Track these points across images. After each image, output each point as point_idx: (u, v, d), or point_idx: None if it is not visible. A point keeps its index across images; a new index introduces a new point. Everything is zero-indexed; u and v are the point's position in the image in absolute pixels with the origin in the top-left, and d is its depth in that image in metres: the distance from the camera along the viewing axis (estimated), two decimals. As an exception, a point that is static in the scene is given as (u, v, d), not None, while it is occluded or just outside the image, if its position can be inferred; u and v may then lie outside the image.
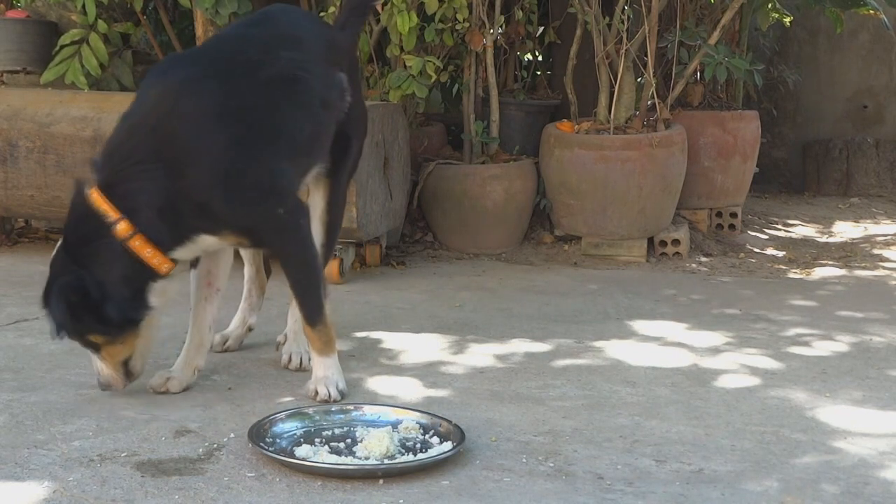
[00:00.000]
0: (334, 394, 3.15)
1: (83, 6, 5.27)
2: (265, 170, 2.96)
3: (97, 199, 2.91)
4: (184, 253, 3.08)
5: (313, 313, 3.14)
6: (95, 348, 3.06)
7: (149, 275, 3.02)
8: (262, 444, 2.77)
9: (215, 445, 2.83)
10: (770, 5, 6.19)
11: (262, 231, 3.04)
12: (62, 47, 5.37)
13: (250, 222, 3.01)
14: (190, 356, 3.29)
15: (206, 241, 3.07)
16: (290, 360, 3.49)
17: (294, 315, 3.47)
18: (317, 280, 3.17)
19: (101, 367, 3.10)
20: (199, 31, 5.50)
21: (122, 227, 2.90)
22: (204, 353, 3.32)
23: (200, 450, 2.80)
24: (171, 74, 2.98)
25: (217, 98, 2.92)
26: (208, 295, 3.35)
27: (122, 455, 2.76)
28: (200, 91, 2.93)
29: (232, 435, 2.89)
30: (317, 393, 3.16)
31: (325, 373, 3.17)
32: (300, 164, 3.16)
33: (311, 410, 3.01)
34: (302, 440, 2.85)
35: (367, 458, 2.74)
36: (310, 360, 3.34)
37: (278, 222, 3.02)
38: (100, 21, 5.42)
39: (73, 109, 4.94)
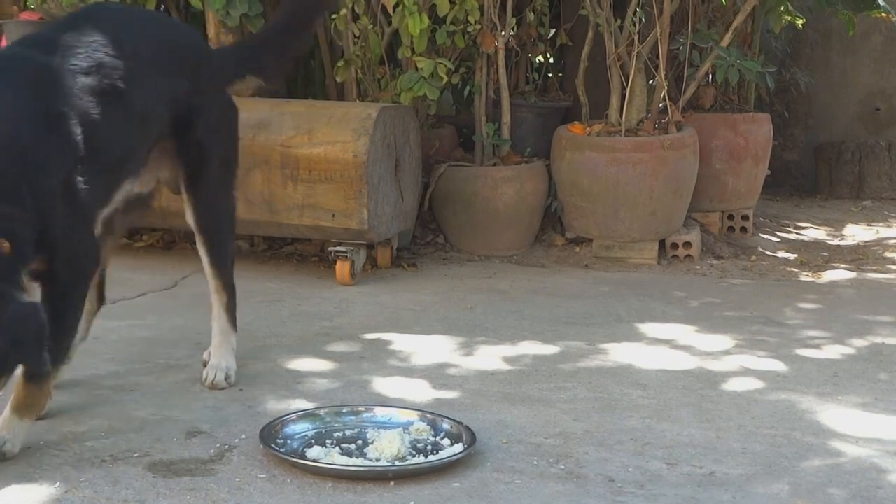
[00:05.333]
0: None
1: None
2: (63, 189, 2.73)
3: None
4: None
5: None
6: None
7: None
8: (273, 445, 2.78)
9: (227, 446, 2.84)
10: (782, 7, 6.17)
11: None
12: (75, 49, 5.38)
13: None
14: None
15: None
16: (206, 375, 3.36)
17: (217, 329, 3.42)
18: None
19: None
20: (211, 32, 5.51)
21: None
22: None
23: (212, 451, 2.81)
24: None
25: (17, 107, 2.71)
26: None
27: (134, 455, 2.77)
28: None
29: (243, 436, 2.91)
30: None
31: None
32: (105, 181, 2.94)
33: (322, 412, 3.03)
34: (313, 441, 2.86)
35: (378, 460, 2.75)
36: (225, 378, 3.32)
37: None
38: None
39: (86, 111, 4.95)
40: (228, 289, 3.44)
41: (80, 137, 2.78)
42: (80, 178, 2.78)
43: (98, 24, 3.01)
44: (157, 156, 3.21)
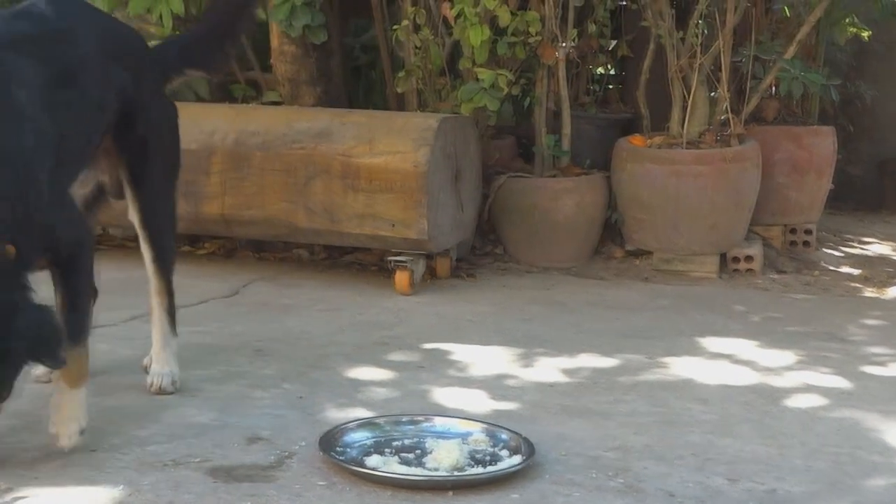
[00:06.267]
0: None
1: (160, 17, 5.35)
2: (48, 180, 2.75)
3: None
4: None
5: None
6: None
7: None
8: (333, 452, 2.78)
9: (286, 453, 2.86)
10: (847, 20, 6.10)
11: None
12: (140, 58, 5.45)
13: None
14: None
15: None
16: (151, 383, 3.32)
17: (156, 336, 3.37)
18: None
19: None
20: (274, 43, 5.57)
21: None
22: None
23: (272, 457, 2.83)
24: None
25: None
26: None
27: (195, 460, 2.79)
28: None
29: (303, 443, 2.92)
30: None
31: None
32: (70, 170, 2.96)
33: (381, 421, 3.03)
34: (372, 450, 2.86)
35: (436, 470, 2.75)
36: (171, 382, 3.30)
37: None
38: (176, 32, 5.50)
39: (151, 119, 5.01)
40: (169, 290, 3.38)
41: (54, 128, 2.79)
42: (58, 168, 2.79)
43: (50, 11, 2.99)
44: (99, 156, 3.18)
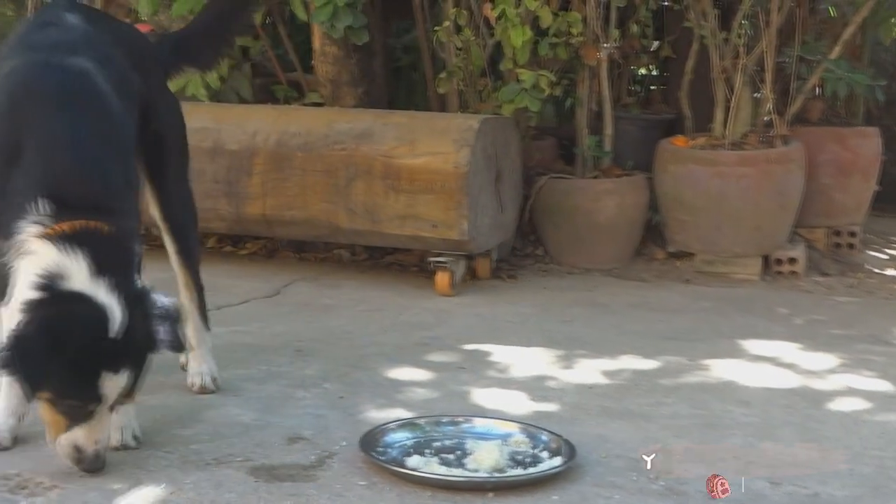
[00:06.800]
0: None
1: (204, 19, 5.38)
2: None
3: None
4: None
5: None
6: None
7: None
8: (373, 453, 2.79)
9: (327, 453, 2.87)
10: (893, 19, 6.04)
11: None
12: (184, 60, 5.49)
13: None
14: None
15: None
16: (193, 382, 3.35)
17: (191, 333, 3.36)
18: None
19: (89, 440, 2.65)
20: (316, 44, 5.59)
21: None
22: None
23: (313, 457, 2.84)
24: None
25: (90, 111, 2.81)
26: None
27: (237, 460, 2.81)
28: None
29: (343, 443, 2.93)
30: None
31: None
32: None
33: (421, 421, 3.04)
34: (412, 450, 2.87)
35: (477, 471, 2.75)
36: (213, 380, 3.34)
37: None
38: (235, 38, 5.52)
39: (194, 121, 4.98)
40: (198, 284, 3.40)
41: (132, 128, 2.92)
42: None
43: (73, 19, 3.04)
44: None
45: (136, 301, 2.60)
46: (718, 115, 5.48)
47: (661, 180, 5.41)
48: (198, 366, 3.35)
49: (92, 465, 2.62)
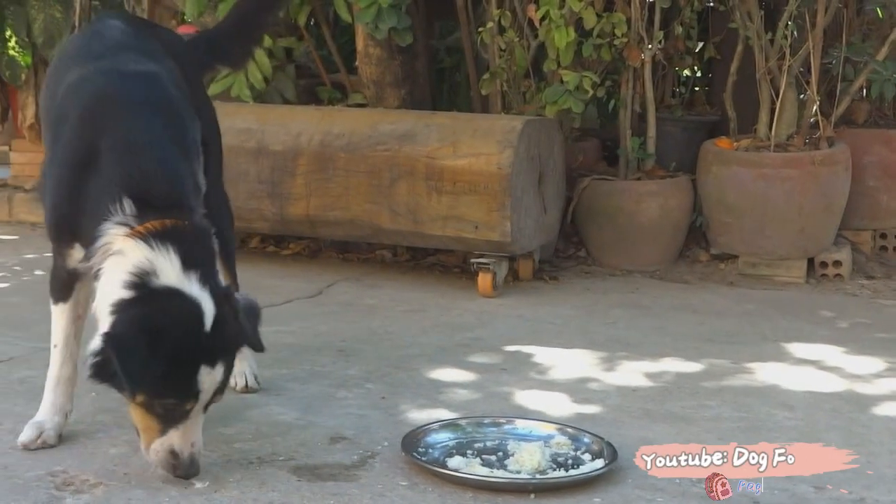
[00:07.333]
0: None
1: (249, 21, 5.42)
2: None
3: None
4: None
5: None
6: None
7: None
8: (415, 453, 2.80)
9: (369, 453, 2.88)
10: (942, 20, 5.97)
11: None
12: (228, 61, 5.53)
13: None
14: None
15: None
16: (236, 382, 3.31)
17: None
18: None
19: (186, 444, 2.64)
20: (360, 45, 5.61)
21: None
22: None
23: (355, 456, 2.86)
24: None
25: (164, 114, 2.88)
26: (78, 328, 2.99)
27: (280, 459, 2.83)
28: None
29: (385, 443, 2.94)
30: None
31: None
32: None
33: (463, 422, 3.05)
34: (454, 451, 2.88)
35: (518, 472, 2.75)
36: (255, 378, 3.35)
37: None
38: (264, 36, 5.57)
39: (238, 121, 5.08)
40: (235, 282, 3.39)
41: (196, 131, 2.98)
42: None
43: (136, 29, 3.16)
44: None
45: (225, 296, 2.63)
46: (763, 116, 5.45)
47: (705, 182, 5.38)
48: (240, 365, 3.36)
49: (187, 470, 2.60)
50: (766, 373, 3.72)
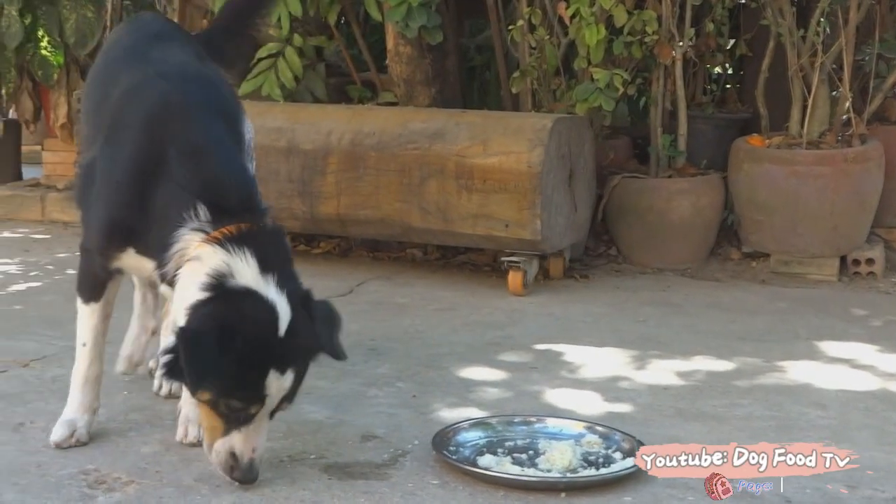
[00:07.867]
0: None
1: (279, 20, 5.44)
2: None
3: None
4: None
5: None
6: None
7: None
8: (445, 452, 2.80)
9: (400, 452, 2.89)
10: (976, 16, 5.92)
11: None
12: (259, 60, 5.55)
13: None
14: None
15: None
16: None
17: None
18: None
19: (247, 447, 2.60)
20: (390, 44, 5.62)
21: None
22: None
23: (385, 455, 2.86)
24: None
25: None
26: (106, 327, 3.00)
27: (311, 457, 2.84)
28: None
29: (416, 442, 2.95)
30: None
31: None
32: None
33: (494, 421, 3.04)
34: (485, 450, 2.88)
35: (549, 471, 2.75)
36: None
37: None
38: (295, 35, 5.59)
39: (269, 120, 5.11)
40: None
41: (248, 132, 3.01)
42: None
43: (176, 32, 3.22)
44: None
45: (302, 302, 2.59)
46: (795, 113, 5.41)
47: (736, 180, 5.36)
48: None
49: (246, 475, 2.58)
50: (798, 371, 3.69)
